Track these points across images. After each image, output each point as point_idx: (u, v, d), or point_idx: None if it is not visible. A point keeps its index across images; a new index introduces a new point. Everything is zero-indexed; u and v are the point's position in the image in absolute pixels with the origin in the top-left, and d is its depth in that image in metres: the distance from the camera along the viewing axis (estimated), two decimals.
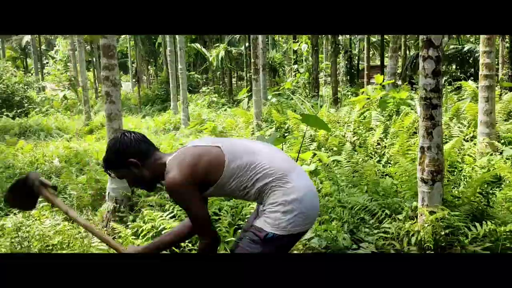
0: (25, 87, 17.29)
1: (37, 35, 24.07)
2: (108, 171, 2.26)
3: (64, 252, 3.72)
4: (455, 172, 5.08)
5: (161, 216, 3.95)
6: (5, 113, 14.68)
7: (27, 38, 27.00)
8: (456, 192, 3.97)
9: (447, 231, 3.24)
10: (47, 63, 27.56)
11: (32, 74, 23.23)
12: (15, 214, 4.54)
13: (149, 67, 30.77)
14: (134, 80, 26.81)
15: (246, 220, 3.77)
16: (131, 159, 2.15)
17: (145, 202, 4.46)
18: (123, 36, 29.00)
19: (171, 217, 3.99)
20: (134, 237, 4.04)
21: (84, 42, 13.81)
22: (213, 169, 2.10)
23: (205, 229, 2.13)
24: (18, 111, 15.20)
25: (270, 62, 20.42)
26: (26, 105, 16.12)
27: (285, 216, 2.05)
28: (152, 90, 23.18)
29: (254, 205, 3.91)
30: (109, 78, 4.70)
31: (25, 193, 2.43)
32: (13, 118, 14.22)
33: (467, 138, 6.34)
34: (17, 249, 3.71)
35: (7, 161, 8.34)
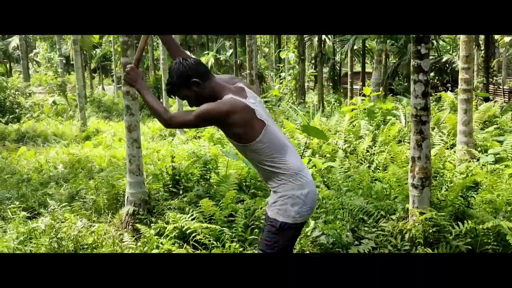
0: (16, 92, 17.46)
1: (25, 39, 23.99)
2: (171, 94, 2.67)
3: (96, 251, 4.17)
4: (437, 178, 5.70)
5: (184, 218, 4.44)
6: None
7: (15, 42, 26.96)
8: (440, 195, 4.57)
9: (434, 229, 3.82)
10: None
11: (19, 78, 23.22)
12: (44, 216, 4.97)
13: None
14: (118, 85, 27.12)
15: (262, 220, 4.30)
16: (194, 79, 2.56)
17: (165, 206, 4.94)
18: (105, 37, 29.21)
19: (192, 219, 4.48)
20: (157, 236, 4.52)
21: (77, 47, 14.11)
22: (248, 133, 2.51)
23: (176, 121, 2.60)
24: (10, 116, 15.40)
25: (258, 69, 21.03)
26: (17, 110, 16.31)
27: (293, 207, 2.55)
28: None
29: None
30: (130, 93, 5.17)
31: None
32: (6, 123, 14.44)
33: (447, 146, 7.00)
34: (55, 249, 4.15)
35: (12, 167, 8.70)
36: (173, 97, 2.78)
